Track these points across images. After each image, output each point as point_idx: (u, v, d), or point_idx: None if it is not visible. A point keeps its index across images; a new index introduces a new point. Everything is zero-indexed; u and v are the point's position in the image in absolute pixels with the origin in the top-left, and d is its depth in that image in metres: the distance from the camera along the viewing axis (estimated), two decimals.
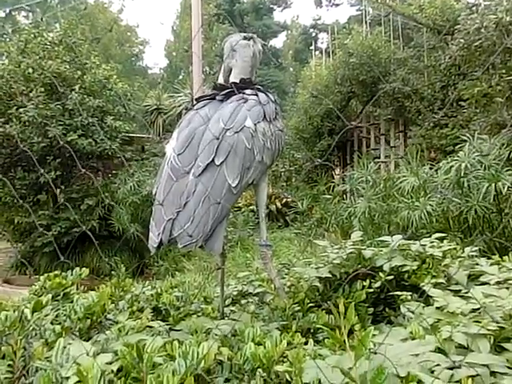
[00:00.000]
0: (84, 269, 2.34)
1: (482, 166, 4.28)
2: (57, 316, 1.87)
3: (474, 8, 7.16)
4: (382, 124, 10.72)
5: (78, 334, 1.75)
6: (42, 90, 9.27)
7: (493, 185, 3.99)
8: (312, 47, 16.68)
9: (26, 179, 9.56)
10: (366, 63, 9.81)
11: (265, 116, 2.10)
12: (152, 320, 1.97)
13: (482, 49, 6.42)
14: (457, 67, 8.20)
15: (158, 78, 27.26)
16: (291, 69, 30.24)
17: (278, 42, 32.22)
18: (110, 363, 1.33)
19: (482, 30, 6.18)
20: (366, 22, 11.75)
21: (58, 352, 1.35)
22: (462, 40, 6.77)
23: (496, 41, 6.05)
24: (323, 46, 20.09)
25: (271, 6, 29.79)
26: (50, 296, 1.95)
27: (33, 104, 9.04)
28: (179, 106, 14.08)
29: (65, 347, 1.38)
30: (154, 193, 2.02)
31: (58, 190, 9.88)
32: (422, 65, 9.69)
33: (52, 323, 1.77)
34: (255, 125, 2.03)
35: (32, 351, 1.49)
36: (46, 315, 1.78)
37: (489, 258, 2.43)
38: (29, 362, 1.47)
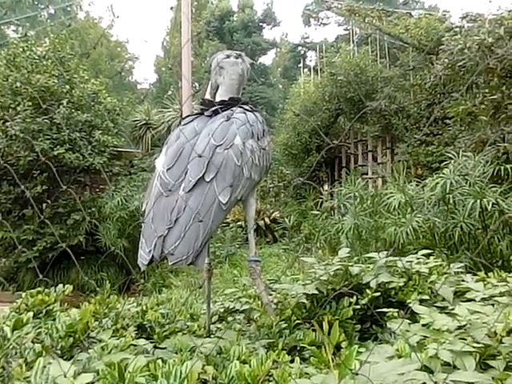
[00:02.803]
0: (68, 285, 2.30)
1: (466, 183, 4.34)
2: (38, 334, 1.83)
3: (457, 29, 7.35)
4: (369, 141, 10.85)
5: (59, 352, 1.71)
6: (30, 104, 9.22)
7: (478, 201, 4.04)
8: (300, 65, 16.88)
9: (12, 193, 9.44)
10: (354, 81, 9.97)
11: (253, 134, 2.12)
12: (137, 338, 1.93)
13: (465, 68, 6.57)
14: (442, 86, 8.37)
15: (147, 93, 27.32)
16: (280, 85, 30.56)
17: (267, 59, 32.61)
18: (92, 383, 1.30)
19: (466, 51, 6.34)
20: (353, 41, 11.98)
21: (37, 372, 1.31)
22: (446, 60, 6.92)
23: (479, 61, 6.20)
24: (311, 64, 20.35)
25: (260, 23, 30.16)
26: (31, 314, 1.91)
27: (20, 118, 8.97)
28: (168, 122, 14.08)
29: (45, 367, 1.34)
30: (143, 208, 2.01)
31: (45, 205, 9.76)
32: (408, 83, 9.89)
33: (33, 342, 1.72)
34: (244, 142, 2.05)
35: (11, 371, 1.45)
36: (27, 333, 1.74)
37: (474, 275, 2.45)
38: (7, 382, 1.43)
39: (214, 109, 2.19)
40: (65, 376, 1.23)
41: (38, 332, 1.84)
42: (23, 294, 2.26)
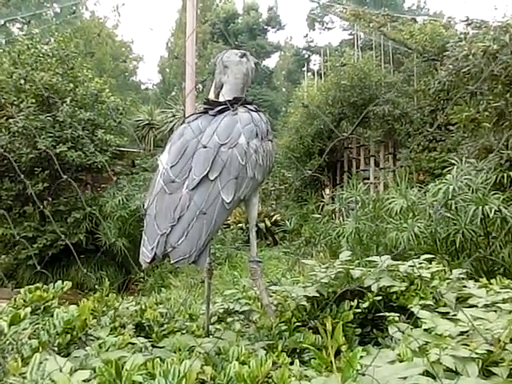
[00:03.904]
0: (66, 282, 2.28)
1: (469, 190, 4.32)
2: (36, 330, 1.81)
3: (462, 36, 7.35)
4: (371, 145, 10.84)
5: (56, 349, 1.69)
6: (33, 101, 9.23)
7: (480, 208, 4.02)
8: (304, 68, 16.94)
9: (13, 190, 9.44)
10: (357, 85, 9.96)
11: (257, 134, 2.11)
12: (135, 336, 1.91)
13: (469, 75, 6.56)
14: (445, 92, 8.36)
15: (151, 93, 27.38)
16: (283, 89, 30.60)
17: (271, 62, 32.69)
18: (88, 380, 1.28)
19: (470, 57, 6.33)
20: (357, 46, 11.98)
21: (33, 368, 1.29)
22: (450, 66, 6.92)
23: (483, 68, 6.18)
24: (315, 68, 20.40)
25: (265, 26, 30.26)
26: (28, 309, 1.89)
27: (23, 115, 8.99)
28: (171, 122, 14.10)
29: (41, 363, 1.32)
30: (145, 206, 1.99)
31: (46, 202, 9.76)
32: (412, 89, 9.88)
33: (30, 338, 1.71)
34: (248, 142, 2.04)
35: (7, 366, 1.43)
36: (24, 329, 1.72)
37: (476, 281, 2.43)
38: (3, 378, 1.41)
39: (218, 109, 2.17)
40: (60, 370, 1.21)
41: (36, 328, 1.82)
42: (22, 290, 2.24)
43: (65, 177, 1.60)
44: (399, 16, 13.02)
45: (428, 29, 10.19)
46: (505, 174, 4.97)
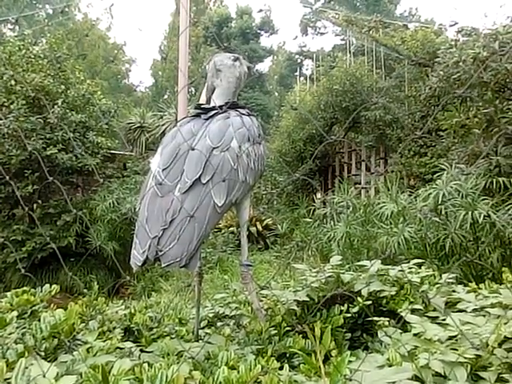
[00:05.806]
0: (54, 285, 2.25)
1: (459, 195, 4.36)
2: (23, 335, 1.78)
3: (453, 42, 7.43)
4: (363, 150, 10.89)
5: (43, 354, 1.66)
6: (24, 102, 9.16)
7: (469, 213, 4.06)
8: (297, 73, 17.03)
9: (2, 192, 9.34)
10: (349, 91, 10.02)
11: (249, 138, 2.11)
12: (124, 341, 1.89)
13: (460, 81, 6.63)
14: (436, 98, 8.44)
15: (143, 96, 27.30)
16: (276, 93, 30.64)
17: (263, 66, 32.72)
18: None
19: (461, 64, 6.40)
20: (349, 52, 12.06)
21: (18, 373, 1.27)
22: (441, 72, 6.99)
23: (473, 74, 6.25)
24: (308, 73, 20.51)
25: (258, 31, 30.30)
26: (15, 313, 1.86)
27: (13, 116, 8.91)
28: (163, 125, 14.05)
29: (26, 368, 1.30)
30: (137, 209, 1.97)
31: (35, 205, 9.66)
32: (403, 94, 9.96)
33: (16, 342, 1.68)
34: (240, 146, 2.04)
35: None
36: (10, 333, 1.69)
37: (465, 286, 2.44)
38: None
39: (211, 114, 2.16)
40: (44, 376, 1.19)
41: (23, 333, 1.79)
42: (8, 294, 2.21)
43: (51, 179, 1.58)
44: (391, 22, 13.13)
45: (419, 35, 10.29)
46: (494, 180, 5.03)
